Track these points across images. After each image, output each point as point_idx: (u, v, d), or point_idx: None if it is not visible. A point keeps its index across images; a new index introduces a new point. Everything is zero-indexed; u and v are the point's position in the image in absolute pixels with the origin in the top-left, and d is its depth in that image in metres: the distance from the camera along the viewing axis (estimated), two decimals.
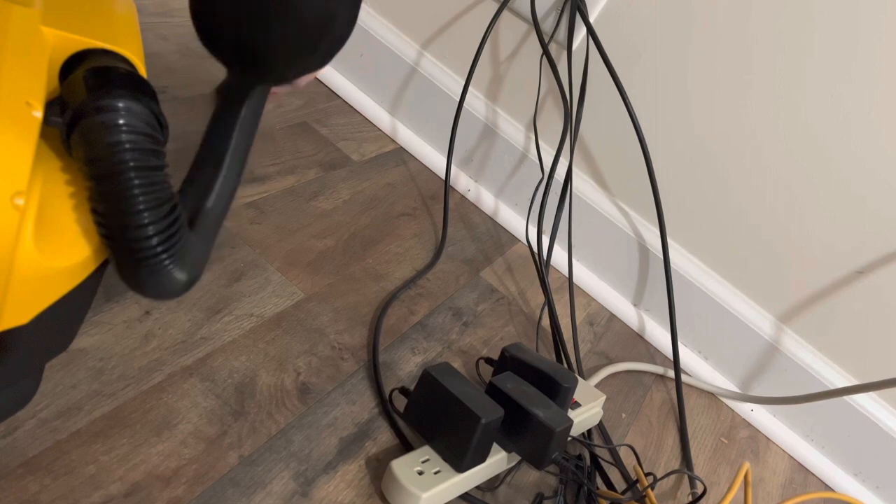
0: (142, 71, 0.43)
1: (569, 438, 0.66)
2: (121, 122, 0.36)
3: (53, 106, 0.37)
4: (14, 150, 0.34)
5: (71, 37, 0.41)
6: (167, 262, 0.38)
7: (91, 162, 0.36)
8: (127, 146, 0.36)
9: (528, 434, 0.62)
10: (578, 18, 0.89)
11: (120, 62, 0.41)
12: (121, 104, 0.36)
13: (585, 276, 0.98)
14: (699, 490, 0.72)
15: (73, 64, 0.40)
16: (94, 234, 0.39)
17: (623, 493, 0.67)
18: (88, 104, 0.36)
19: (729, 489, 0.65)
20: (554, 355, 0.82)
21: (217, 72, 0.94)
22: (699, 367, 0.93)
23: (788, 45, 0.81)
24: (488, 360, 0.72)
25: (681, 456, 0.80)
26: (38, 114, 0.35)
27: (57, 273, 0.38)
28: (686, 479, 0.76)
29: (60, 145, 0.38)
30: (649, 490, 0.66)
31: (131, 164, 0.36)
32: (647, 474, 0.69)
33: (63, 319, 0.42)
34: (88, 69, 0.38)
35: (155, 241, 0.37)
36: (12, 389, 0.44)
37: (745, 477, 0.69)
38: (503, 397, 0.63)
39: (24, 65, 0.37)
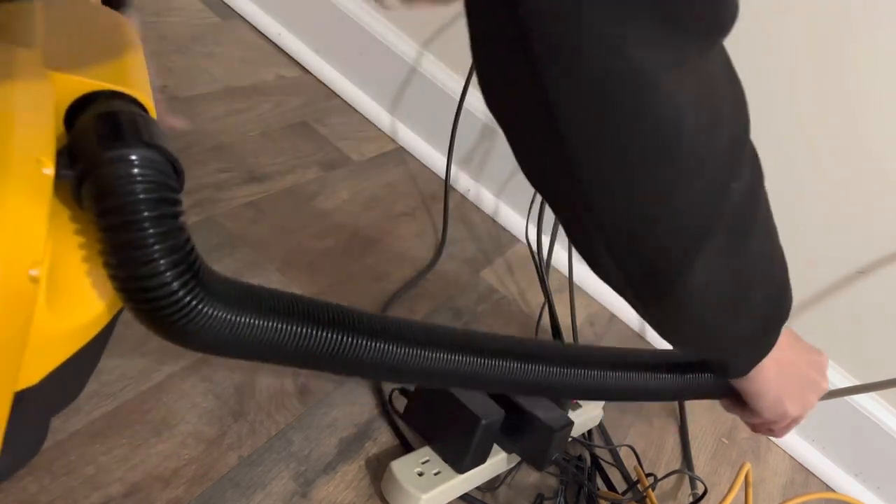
0: (151, 110, 0.41)
1: (569, 439, 0.66)
2: (134, 171, 0.34)
3: (62, 157, 0.36)
4: (29, 219, 0.32)
5: (76, 79, 0.39)
6: (190, 305, 0.36)
7: (103, 214, 0.34)
8: (141, 196, 0.34)
9: (529, 435, 0.62)
10: None
11: (129, 104, 0.39)
12: (133, 156, 0.34)
13: (586, 277, 0.98)
14: (700, 491, 0.72)
15: (80, 107, 0.38)
16: (106, 287, 0.36)
17: (623, 493, 0.67)
18: (100, 155, 0.34)
19: (729, 489, 0.65)
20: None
21: (217, 72, 0.94)
22: None
23: (777, 42, 0.81)
24: None
25: (681, 456, 0.80)
26: (50, 171, 0.34)
27: (69, 332, 0.37)
28: (687, 480, 0.76)
29: (67, 195, 0.36)
30: (650, 491, 0.66)
31: (145, 213, 0.34)
32: (647, 475, 0.68)
33: (73, 374, 0.40)
34: (98, 116, 0.37)
35: (175, 286, 0.35)
36: (18, 445, 0.41)
37: (746, 477, 0.68)
38: (504, 398, 0.62)
39: (32, 116, 0.35)
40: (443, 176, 0.96)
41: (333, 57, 1.04)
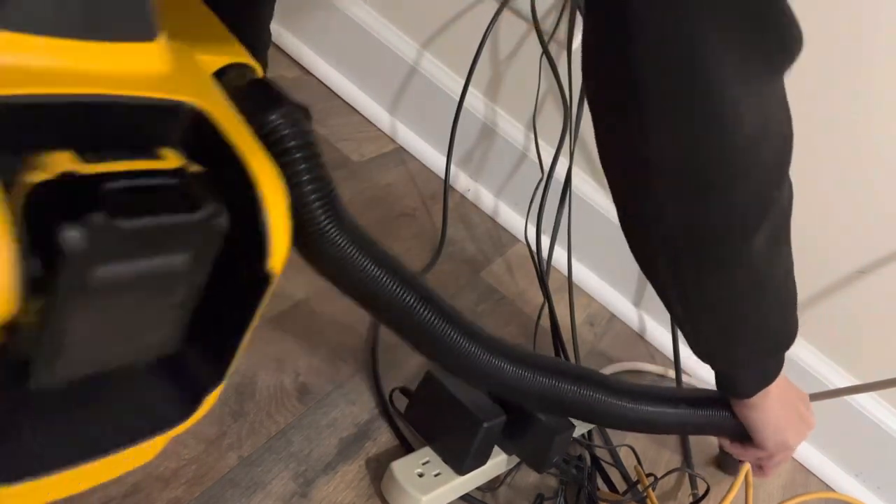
0: (260, 72, 0.46)
1: (570, 441, 0.66)
2: (290, 127, 0.42)
3: None
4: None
5: (212, 58, 0.43)
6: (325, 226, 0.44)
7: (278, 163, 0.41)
8: (294, 146, 0.42)
9: (529, 437, 0.62)
10: (578, 17, 0.89)
11: (252, 71, 0.44)
12: (284, 114, 0.41)
13: (586, 277, 0.98)
14: (700, 491, 0.72)
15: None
16: None
17: (623, 493, 0.67)
18: (263, 117, 0.41)
19: (729, 489, 0.65)
20: (553, 356, 0.82)
21: None
22: (700, 367, 0.93)
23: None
24: None
25: (682, 456, 0.80)
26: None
27: None
28: (687, 480, 0.76)
29: None
30: (650, 490, 0.66)
31: (300, 157, 0.42)
32: (647, 475, 0.68)
33: None
34: (249, 84, 0.43)
35: (316, 206, 0.43)
36: None
37: (746, 477, 0.68)
38: (506, 399, 0.62)
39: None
40: (442, 176, 0.96)
41: (333, 57, 1.04)
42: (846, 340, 0.89)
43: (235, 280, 0.39)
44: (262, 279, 0.39)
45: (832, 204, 0.85)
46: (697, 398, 0.65)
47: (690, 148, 0.46)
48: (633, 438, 0.77)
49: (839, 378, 0.89)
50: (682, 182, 0.48)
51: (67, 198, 0.32)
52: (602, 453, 0.72)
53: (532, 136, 0.96)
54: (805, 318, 0.89)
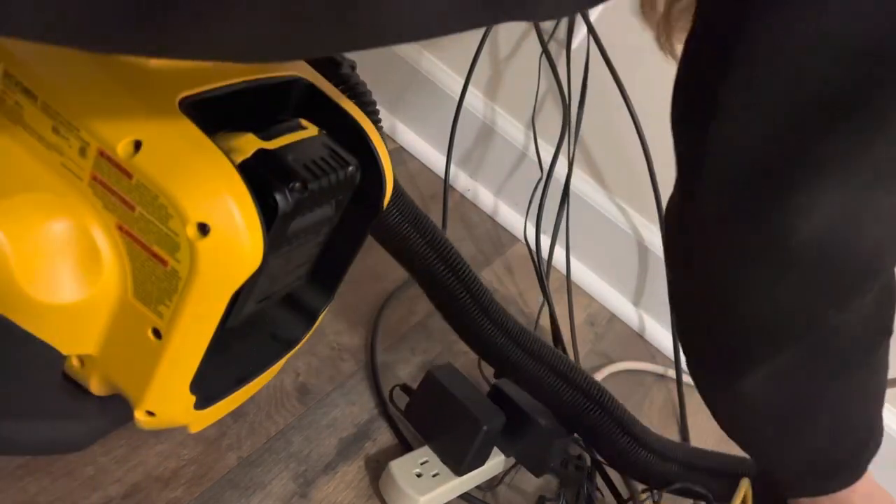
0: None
1: (570, 444, 0.66)
2: None
3: None
4: None
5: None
6: None
7: None
8: None
9: (529, 440, 0.62)
10: (578, 17, 0.89)
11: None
12: None
13: (586, 276, 0.98)
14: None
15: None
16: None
17: (626, 500, 0.67)
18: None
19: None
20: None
21: None
22: None
23: None
24: None
25: None
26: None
27: None
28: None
29: None
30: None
31: None
32: (644, 490, 0.67)
33: None
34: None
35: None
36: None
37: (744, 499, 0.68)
38: (506, 401, 0.62)
39: None
40: (442, 176, 0.96)
41: None
42: None
43: (346, 219, 0.49)
44: (370, 215, 0.50)
45: None
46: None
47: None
48: None
49: None
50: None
51: (266, 170, 0.41)
52: None
53: (532, 135, 0.96)
54: None
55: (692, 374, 0.55)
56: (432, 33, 0.34)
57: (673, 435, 0.82)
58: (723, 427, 0.56)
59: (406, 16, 0.31)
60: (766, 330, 0.47)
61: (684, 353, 0.54)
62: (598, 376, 0.82)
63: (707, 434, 0.85)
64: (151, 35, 0.29)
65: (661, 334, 0.95)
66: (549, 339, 0.83)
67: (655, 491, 0.66)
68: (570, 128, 0.92)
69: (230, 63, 0.42)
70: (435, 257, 0.60)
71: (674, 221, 0.49)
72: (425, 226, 0.60)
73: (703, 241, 0.46)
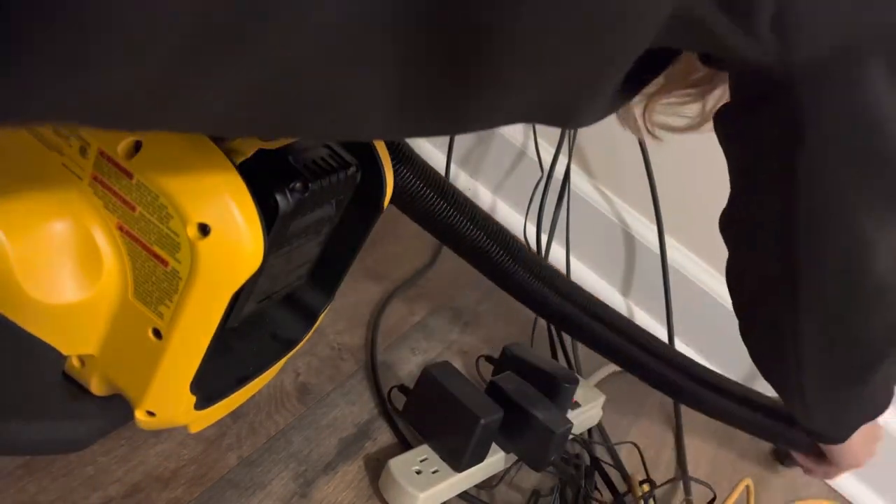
0: None
1: (569, 438, 0.66)
2: None
3: None
4: None
5: None
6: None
7: None
8: None
9: (528, 435, 0.62)
10: None
11: None
12: None
13: (585, 275, 0.98)
14: (694, 498, 0.72)
15: None
16: None
17: (623, 494, 0.67)
18: None
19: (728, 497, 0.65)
20: (551, 355, 0.82)
21: None
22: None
23: None
24: (489, 359, 0.72)
25: (677, 457, 0.80)
26: None
27: None
28: (681, 486, 0.75)
29: None
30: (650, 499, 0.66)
31: None
32: (644, 481, 0.68)
33: None
34: None
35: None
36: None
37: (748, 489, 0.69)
38: (503, 397, 0.62)
39: None
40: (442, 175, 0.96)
41: None
42: None
43: (346, 219, 0.49)
44: (370, 215, 0.51)
45: None
46: (778, 410, 0.68)
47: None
48: (633, 438, 0.77)
49: None
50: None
51: (266, 171, 0.41)
52: (603, 454, 0.72)
53: (531, 134, 0.96)
54: None
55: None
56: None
57: (669, 435, 0.82)
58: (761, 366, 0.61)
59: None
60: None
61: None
62: (598, 376, 0.82)
63: (709, 434, 0.85)
64: None
65: (662, 334, 0.95)
66: (549, 339, 0.83)
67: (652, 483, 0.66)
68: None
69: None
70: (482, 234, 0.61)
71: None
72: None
73: None
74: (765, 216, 0.47)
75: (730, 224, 0.51)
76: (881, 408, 0.61)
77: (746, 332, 0.57)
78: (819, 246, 0.45)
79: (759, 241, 0.49)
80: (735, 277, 0.54)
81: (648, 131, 0.57)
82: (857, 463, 0.69)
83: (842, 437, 0.65)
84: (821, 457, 0.70)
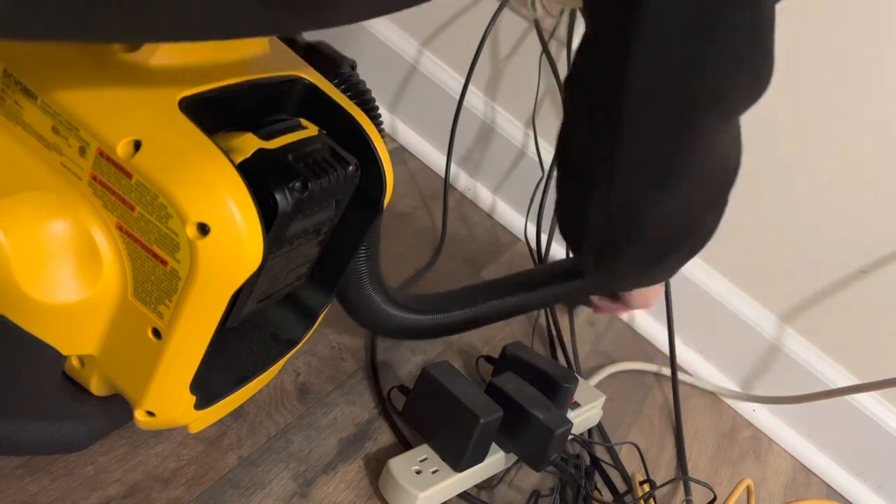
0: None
1: (569, 437, 0.66)
2: None
3: None
4: None
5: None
6: None
7: None
8: None
9: (528, 435, 0.62)
10: (579, 16, 0.89)
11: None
12: None
13: None
14: (694, 497, 0.72)
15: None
16: None
17: (623, 494, 0.67)
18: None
19: (729, 496, 0.65)
20: (551, 355, 0.82)
21: None
22: (700, 367, 0.93)
23: (789, 45, 0.80)
24: (488, 359, 0.72)
25: (678, 458, 0.80)
26: None
27: None
28: (681, 485, 0.75)
29: None
30: (651, 500, 0.66)
31: None
32: (644, 481, 0.68)
33: None
34: (309, 49, 0.53)
35: None
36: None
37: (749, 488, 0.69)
38: (503, 397, 0.62)
39: None
40: (442, 175, 0.96)
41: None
42: (848, 340, 0.88)
43: (346, 219, 0.50)
44: (370, 215, 0.51)
45: (835, 202, 0.85)
46: (561, 273, 0.67)
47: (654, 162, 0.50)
48: (634, 438, 0.77)
49: (840, 377, 0.89)
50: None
51: (266, 170, 0.41)
52: (602, 454, 0.72)
53: (532, 134, 0.96)
54: (807, 318, 0.90)
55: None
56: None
57: (669, 435, 0.82)
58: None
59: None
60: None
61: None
62: (599, 376, 0.82)
63: (709, 434, 0.85)
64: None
65: (663, 334, 0.95)
66: (549, 339, 0.83)
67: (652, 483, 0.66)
68: None
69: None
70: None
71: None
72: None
73: None
74: (600, 77, 0.47)
75: (567, 84, 0.51)
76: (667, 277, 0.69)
77: (561, 186, 0.57)
78: (644, 105, 0.46)
79: (593, 104, 0.49)
80: (565, 138, 0.54)
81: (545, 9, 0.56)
82: (645, 304, 0.72)
83: (634, 289, 0.68)
84: (613, 297, 0.71)
